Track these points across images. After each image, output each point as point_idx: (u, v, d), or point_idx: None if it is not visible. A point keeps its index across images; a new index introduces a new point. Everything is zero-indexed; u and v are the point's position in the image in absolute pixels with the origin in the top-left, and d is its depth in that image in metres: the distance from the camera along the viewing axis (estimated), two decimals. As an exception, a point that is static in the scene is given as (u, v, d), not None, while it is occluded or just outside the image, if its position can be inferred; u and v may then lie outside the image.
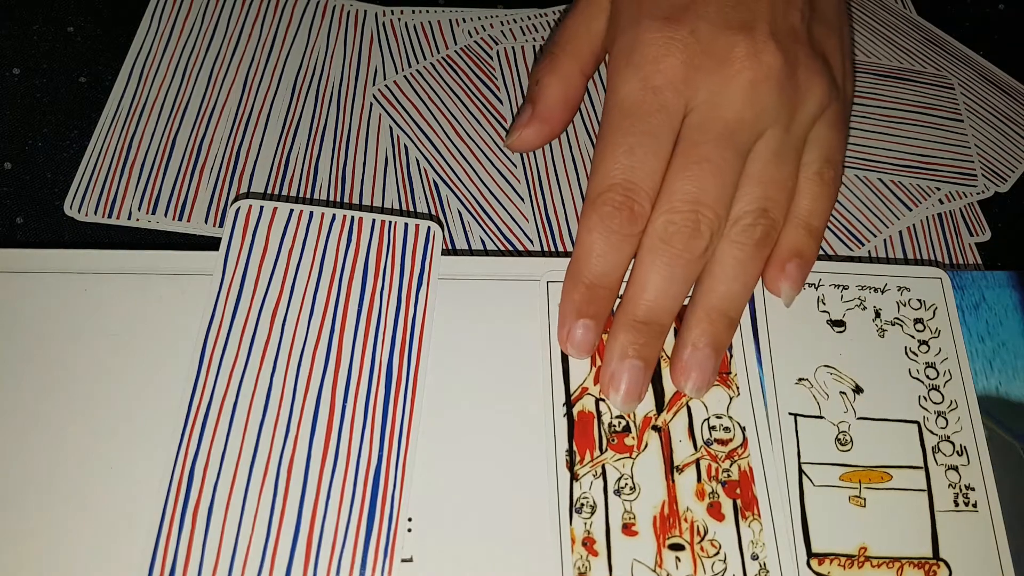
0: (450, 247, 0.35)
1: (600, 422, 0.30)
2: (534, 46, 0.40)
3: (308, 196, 0.35)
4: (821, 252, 0.35)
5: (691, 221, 0.29)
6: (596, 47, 0.35)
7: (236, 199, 0.34)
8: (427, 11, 0.41)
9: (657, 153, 0.30)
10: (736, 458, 0.29)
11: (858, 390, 0.31)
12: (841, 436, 0.30)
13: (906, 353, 0.32)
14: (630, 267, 0.31)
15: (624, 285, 0.31)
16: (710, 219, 0.29)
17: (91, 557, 0.27)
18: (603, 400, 0.30)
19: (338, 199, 0.35)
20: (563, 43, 0.35)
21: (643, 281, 0.29)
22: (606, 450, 0.29)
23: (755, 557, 0.28)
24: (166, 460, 0.28)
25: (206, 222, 0.34)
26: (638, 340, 0.29)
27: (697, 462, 0.29)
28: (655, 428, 0.30)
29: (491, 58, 0.40)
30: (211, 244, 0.32)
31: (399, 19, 0.41)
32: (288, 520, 0.28)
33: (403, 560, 0.28)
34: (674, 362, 0.30)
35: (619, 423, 0.30)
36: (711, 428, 0.30)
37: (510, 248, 0.35)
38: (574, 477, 0.29)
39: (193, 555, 0.27)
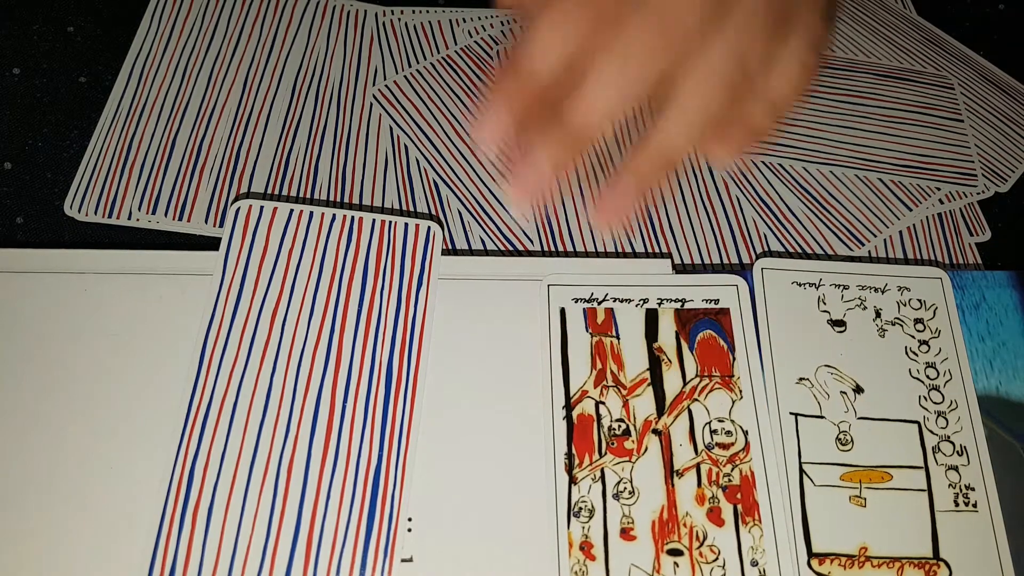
0: (450, 247, 0.35)
1: (600, 425, 0.30)
2: (534, 46, 0.40)
3: (308, 196, 0.35)
4: (821, 252, 0.35)
5: (659, 39, 0.26)
6: None
7: (236, 199, 0.34)
8: (427, 11, 0.41)
9: None
10: (738, 462, 0.29)
11: (858, 390, 0.31)
12: (842, 436, 0.30)
13: (906, 353, 0.32)
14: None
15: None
16: (675, 43, 0.26)
17: (91, 557, 0.27)
18: (603, 403, 0.30)
19: (338, 199, 0.35)
20: None
21: (589, 90, 0.26)
22: (605, 454, 0.29)
23: (755, 563, 0.28)
24: (166, 460, 0.28)
25: (206, 222, 0.34)
26: (559, 147, 0.27)
27: (697, 466, 0.29)
28: (655, 432, 0.30)
29: (491, 58, 0.40)
30: (211, 244, 0.32)
31: (399, 19, 0.41)
32: (288, 520, 0.28)
33: (403, 560, 0.28)
34: (600, 197, 0.27)
35: (619, 427, 0.30)
36: (712, 432, 0.30)
37: (510, 248, 0.35)
38: (572, 480, 0.29)
39: (193, 555, 0.27)
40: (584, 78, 0.27)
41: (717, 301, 0.32)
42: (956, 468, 0.30)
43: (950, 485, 0.30)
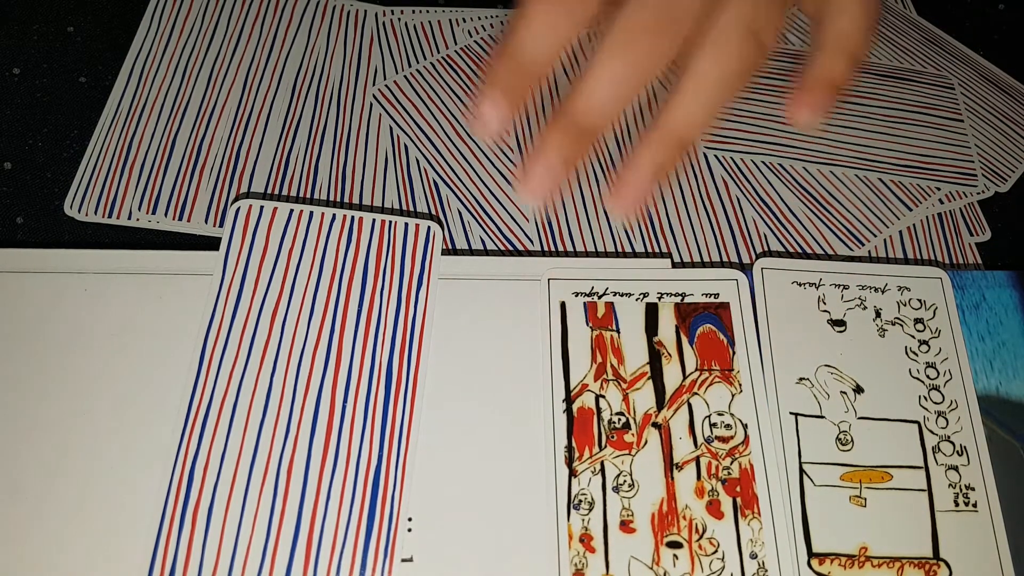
0: (450, 247, 0.35)
1: (600, 418, 0.30)
2: (534, 46, 0.40)
3: (308, 196, 0.35)
4: (821, 252, 0.35)
5: (662, 17, 0.25)
6: None
7: (236, 199, 0.34)
8: (427, 11, 0.41)
9: None
10: (737, 455, 0.29)
11: (859, 390, 0.31)
12: (842, 436, 0.30)
13: (906, 353, 0.32)
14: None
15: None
16: (680, 20, 0.25)
17: (91, 557, 0.27)
18: (603, 397, 0.30)
19: (338, 199, 0.35)
20: None
21: (592, 77, 0.26)
22: (605, 447, 0.29)
23: (754, 556, 0.28)
24: (166, 460, 0.28)
25: (206, 222, 0.34)
26: (566, 140, 0.26)
27: (697, 459, 0.29)
28: (655, 425, 0.30)
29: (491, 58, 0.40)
30: (211, 244, 0.32)
31: (399, 19, 0.41)
32: (288, 520, 0.28)
33: (403, 560, 0.27)
34: (616, 181, 0.26)
35: (619, 420, 0.30)
36: (712, 425, 0.30)
37: (510, 248, 0.35)
38: (572, 473, 0.29)
39: (193, 555, 0.27)
40: (589, 64, 0.25)
41: (717, 295, 0.32)
42: (956, 468, 0.30)
43: (950, 485, 0.30)
